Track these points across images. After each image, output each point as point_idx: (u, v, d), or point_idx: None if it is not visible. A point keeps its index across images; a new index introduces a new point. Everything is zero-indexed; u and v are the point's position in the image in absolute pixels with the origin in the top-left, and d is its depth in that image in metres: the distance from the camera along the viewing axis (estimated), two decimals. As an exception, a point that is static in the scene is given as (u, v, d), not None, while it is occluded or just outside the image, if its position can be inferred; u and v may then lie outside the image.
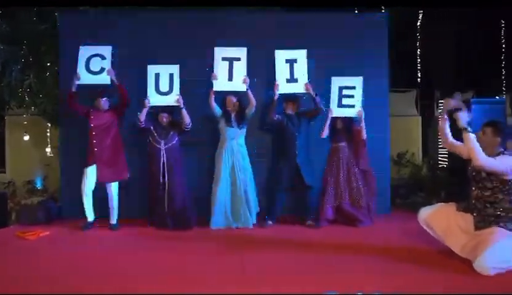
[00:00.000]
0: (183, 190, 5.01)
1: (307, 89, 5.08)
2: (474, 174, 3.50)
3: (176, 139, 5.03)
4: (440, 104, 8.06)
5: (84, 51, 5.05)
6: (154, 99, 4.99)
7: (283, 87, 5.11)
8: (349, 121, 5.23)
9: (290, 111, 5.15)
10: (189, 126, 5.00)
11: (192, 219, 4.99)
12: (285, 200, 5.30)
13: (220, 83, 5.04)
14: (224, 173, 4.95)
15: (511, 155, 3.38)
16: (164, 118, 5.01)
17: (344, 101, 5.19)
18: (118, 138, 5.02)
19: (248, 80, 5.02)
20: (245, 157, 5.07)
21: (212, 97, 5.03)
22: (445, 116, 3.70)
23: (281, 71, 5.14)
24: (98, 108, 4.96)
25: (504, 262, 3.18)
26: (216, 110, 5.07)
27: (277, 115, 5.12)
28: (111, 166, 4.92)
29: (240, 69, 5.04)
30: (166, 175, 4.90)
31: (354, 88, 5.20)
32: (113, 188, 5.00)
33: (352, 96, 5.19)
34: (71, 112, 5.11)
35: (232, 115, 5.04)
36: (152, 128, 5.02)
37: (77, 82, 4.93)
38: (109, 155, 4.91)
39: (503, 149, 3.43)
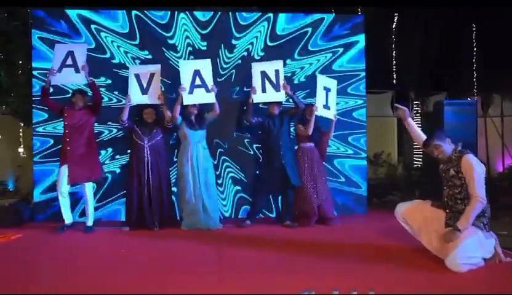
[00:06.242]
0: (167, 188, 4.98)
1: (284, 87, 5.01)
2: (443, 174, 3.59)
3: (160, 136, 4.97)
4: (414, 105, 8.24)
5: (60, 49, 4.88)
6: (136, 97, 4.93)
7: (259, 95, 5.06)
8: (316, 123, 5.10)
9: (275, 111, 5.09)
10: (171, 123, 4.95)
11: (175, 217, 5.03)
12: (265, 203, 5.37)
13: (189, 96, 4.90)
14: (189, 177, 4.86)
15: (468, 153, 3.44)
16: (149, 114, 4.94)
17: (329, 102, 5.10)
18: (92, 137, 4.90)
19: (216, 88, 4.95)
20: (208, 159, 5.02)
21: (178, 108, 4.89)
22: (408, 120, 3.90)
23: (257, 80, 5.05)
24: (73, 106, 4.84)
25: (473, 258, 3.28)
26: (178, 119, 4.95)
27: (256, 118, 5.09)
28: (83, 166, 4.78)
29: (207, 79, 4.93)
30: (150, 172, 4.83)
31: (330, 90, 5.14)
32: (87, 189, 4.88)
33: (329, 98, 5.13)
34: (45, 110, 4.98)
35: (193, 117, 4.96)
36: (135, 125, 4.94)
37: (52, 78, 4.76)
38: (82, 155, 4.78)
39: (458, 147, 3.51)
